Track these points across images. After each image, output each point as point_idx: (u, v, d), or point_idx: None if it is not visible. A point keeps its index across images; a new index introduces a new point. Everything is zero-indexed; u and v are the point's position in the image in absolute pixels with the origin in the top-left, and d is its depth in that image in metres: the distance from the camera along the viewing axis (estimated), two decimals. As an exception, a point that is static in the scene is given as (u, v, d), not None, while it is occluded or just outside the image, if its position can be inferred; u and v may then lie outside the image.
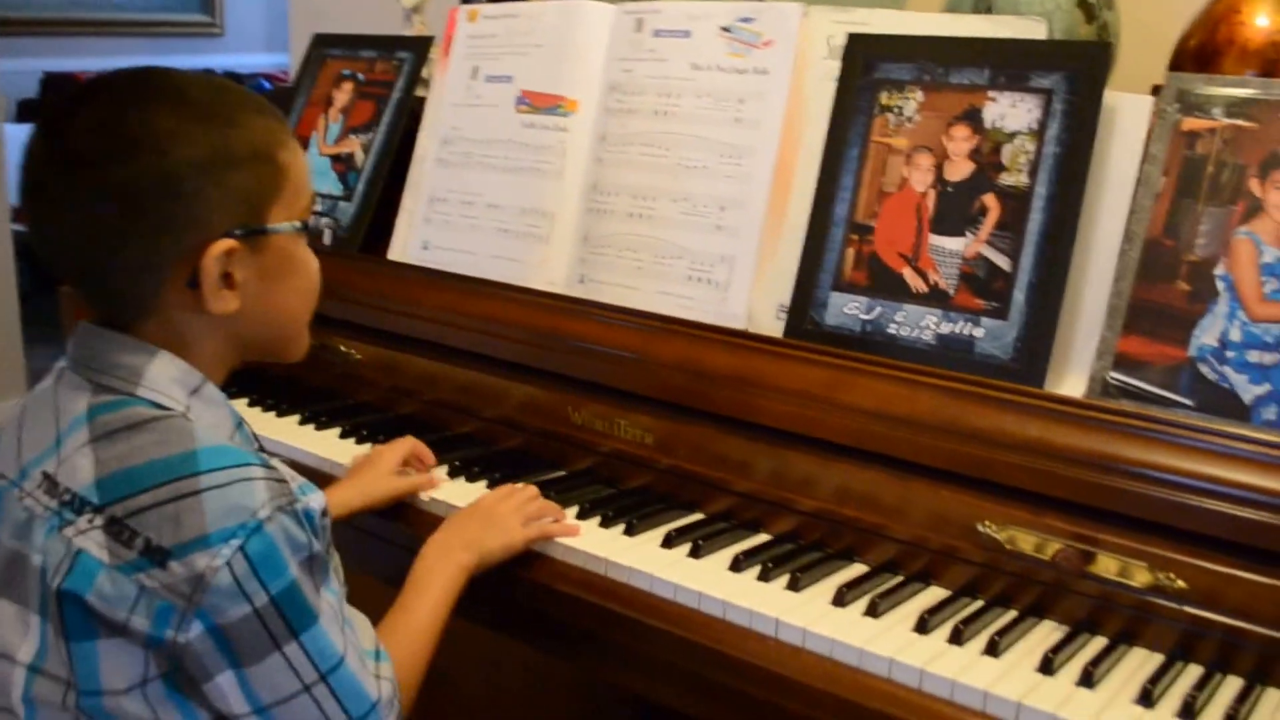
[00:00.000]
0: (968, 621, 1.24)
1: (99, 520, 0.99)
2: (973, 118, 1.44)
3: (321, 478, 1.62)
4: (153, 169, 1.02)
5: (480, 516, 1.44)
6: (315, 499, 1.07)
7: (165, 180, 1.03)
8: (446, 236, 1.91)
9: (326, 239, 2.04)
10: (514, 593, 1.44)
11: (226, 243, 1.06)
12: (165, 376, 1.07)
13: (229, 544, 0.98)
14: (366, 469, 1.58)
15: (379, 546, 1.59)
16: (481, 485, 1.60)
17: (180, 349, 1.10)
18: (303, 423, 1.84)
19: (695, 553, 1.40)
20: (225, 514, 0.98)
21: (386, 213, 2.01)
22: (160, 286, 1.07)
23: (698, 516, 1.51)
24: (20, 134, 1.12)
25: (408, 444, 1.63)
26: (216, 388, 1.12)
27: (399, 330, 1.86)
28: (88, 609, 0.99)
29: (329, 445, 1.76)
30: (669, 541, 1.43)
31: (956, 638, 1.23)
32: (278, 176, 1.10)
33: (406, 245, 1.97)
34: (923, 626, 1.25)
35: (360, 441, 1.77)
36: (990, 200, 1.41)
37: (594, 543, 1.43)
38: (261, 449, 1.16)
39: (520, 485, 1.52)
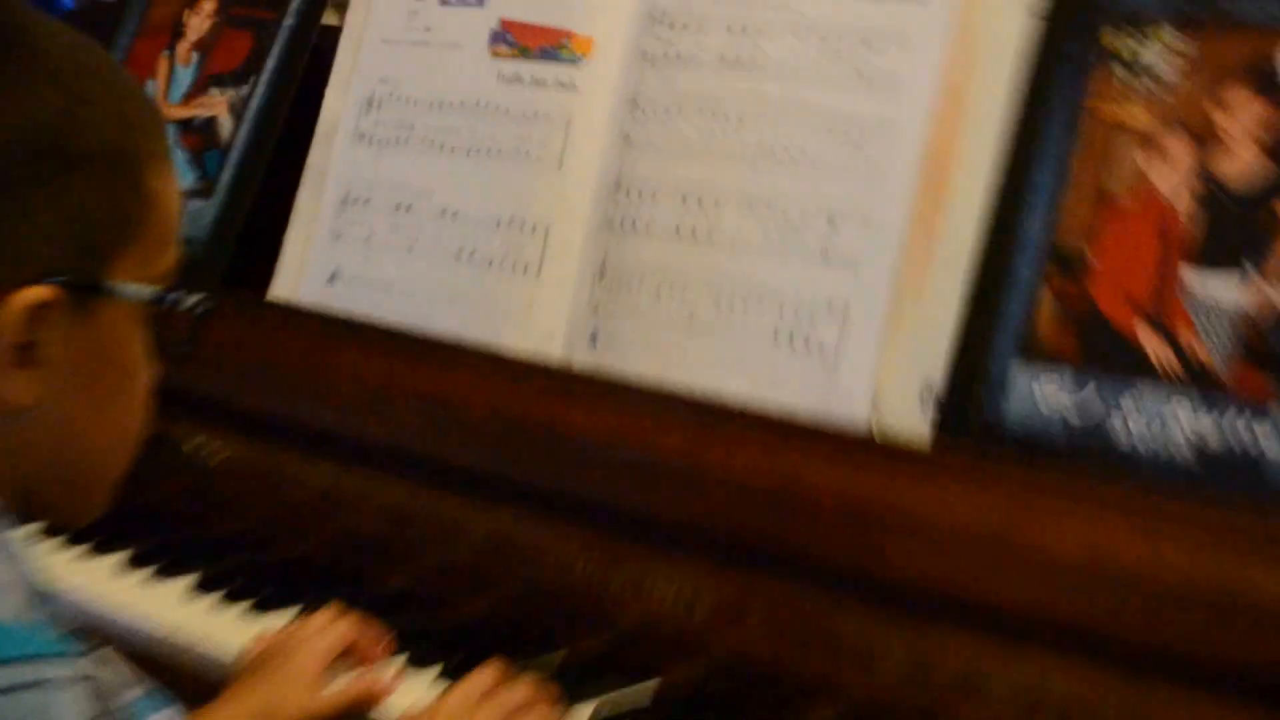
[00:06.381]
0: None
1: None
2: (1263, 77, 1.44)
3: (171, 671, 1.52)
4: None
5: None
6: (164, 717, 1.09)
7: None
8: (369, 263, 1.92)
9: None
10: None
11: (42, 290, 1.03)
12: None
13: None
14: (271, 674, 1.50)
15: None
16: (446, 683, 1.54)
17: None
18: (132, 566, 1.77)
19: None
20: None
21: (270, 220, 2.01)
22: None
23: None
24: None
25: (341, 625, 1.54)
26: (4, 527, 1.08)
27: (288, 417, 1.87)
28: None
29: (179, 607, 1.68)
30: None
31: None
32: (141, 205, 1.08)
33: (302, 276, 1.97)
34: None
35: (230, 600, 1.69)
36: (1289, 216, 1.39)
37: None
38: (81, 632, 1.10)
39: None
